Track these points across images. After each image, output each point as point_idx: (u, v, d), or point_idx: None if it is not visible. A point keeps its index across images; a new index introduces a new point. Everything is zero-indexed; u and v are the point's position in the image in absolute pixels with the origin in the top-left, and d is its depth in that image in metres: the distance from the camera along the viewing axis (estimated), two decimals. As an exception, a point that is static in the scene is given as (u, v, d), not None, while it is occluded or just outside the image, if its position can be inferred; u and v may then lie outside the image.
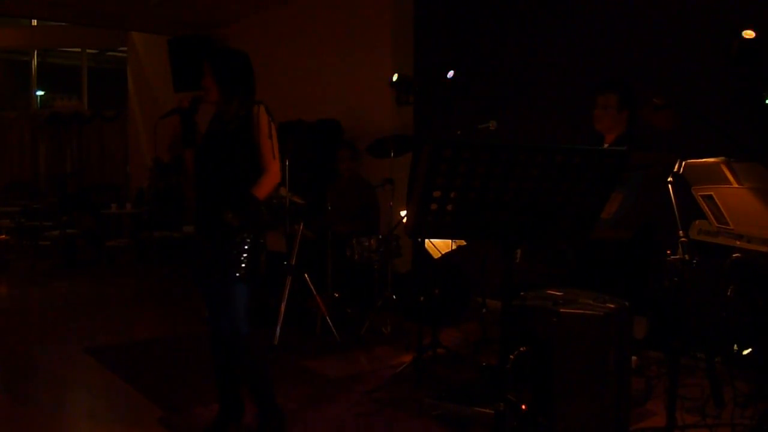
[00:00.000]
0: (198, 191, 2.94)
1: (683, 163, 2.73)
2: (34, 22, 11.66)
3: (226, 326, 2.86)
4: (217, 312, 2.93)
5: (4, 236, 8.60)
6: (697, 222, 3.23)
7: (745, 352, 3.25)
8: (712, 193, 2.82)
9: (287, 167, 4.70)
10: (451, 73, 5.44)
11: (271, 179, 2.83)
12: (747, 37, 3.28)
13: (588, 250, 3.39)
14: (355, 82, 6.52)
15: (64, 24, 11.02)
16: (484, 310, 4.73)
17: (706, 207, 2.91)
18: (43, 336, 4.99)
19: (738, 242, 2.93)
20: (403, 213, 4.75)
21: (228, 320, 2.84)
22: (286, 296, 4.46)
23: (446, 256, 4.16)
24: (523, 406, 2.66)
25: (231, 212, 2.72)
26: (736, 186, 2.67)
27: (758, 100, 3.55)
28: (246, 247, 2.76)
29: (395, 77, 5.95)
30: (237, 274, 2.75)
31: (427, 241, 4.11)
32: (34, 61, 11.99)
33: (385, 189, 4.96)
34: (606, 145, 3.59)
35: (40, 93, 12.30)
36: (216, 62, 2.95)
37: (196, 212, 2.92)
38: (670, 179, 2.63)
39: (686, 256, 2.51)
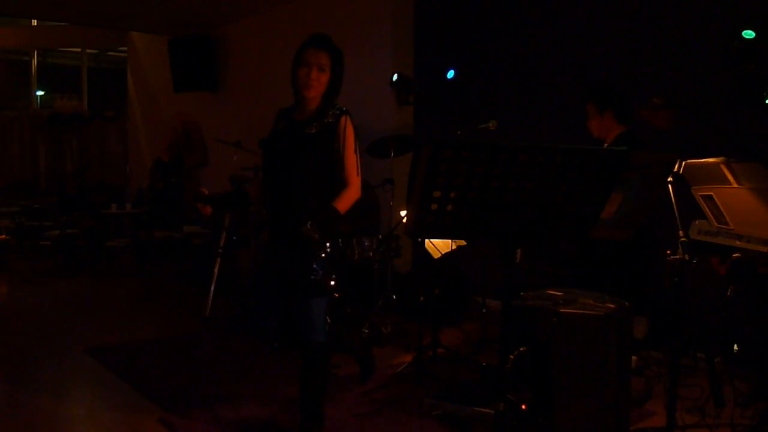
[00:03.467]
0: (272, 195, 2.83)
1: (683, 163, 2.73)
2: (34, 22, 11.65)
3: (302, 334, 2.81)
4: (272, 316, 2.90)
5: (4, 236, 8.60)
6: (697, 222, 3.22)
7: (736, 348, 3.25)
8: (711, 193, 2.82)
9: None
10: (451, 73, 5.44)
11: (353, 194, 2.75)
12: (747, 37, 3.29)
13: (588, 250, 3.39)
14: (355, 82, 6.50)
15: (64, 24, 11.01)
16: (484, 310, 4.73)
17: (705, 207, 2.91)
18: (43, 336, 4.99)
19: (738, 242, 2.93)
20: (403, 213, 4.74)
21: (305, 329, 2.79)
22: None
23: (446, 256, 4.16)
24: (523, 406, 2.67)
25: (312, 225, 2.61)
26: (736, 186, 2.67)
27: (758, 100, 3.54)
28: (324, 258, 2.69)
29: (395, 77, 5.95)
30: (315, 287, 2.70)
31: (427, 241, 4.11)
32: (34, 61, 11.99)
33: (385, 189, 4.96)
34: (606, 146, 3.60)
35: (40, 93, 12.30)
36: (337, 57, 2.77)
37: (272, 217, 2.84)
38: (670, 179, 2.63)
39: (686, 256, 2.51)
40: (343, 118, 2.74)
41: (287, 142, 2.79)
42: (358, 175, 2.77)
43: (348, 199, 2.74)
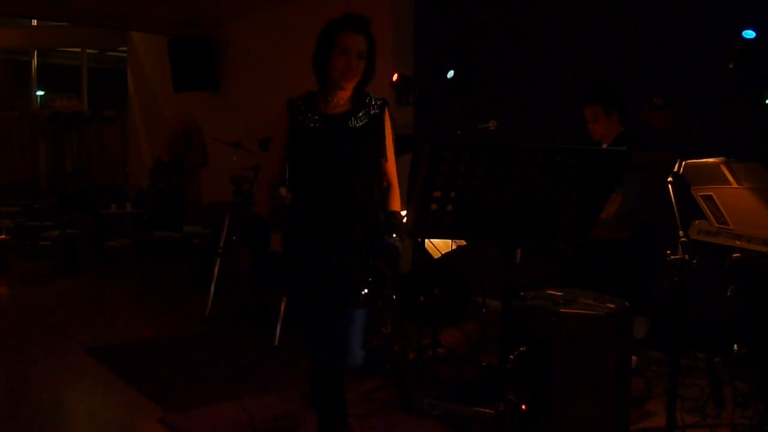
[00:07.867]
0: (324, 202, 2.42)
1: (683, 163, 2.73)
2: (34, 22, 11.66)
3: (353, 352, 2.44)
4: (329, 342, 2.46)
5: (4, 236, 8.60)
6: (697, 222, 3.23)
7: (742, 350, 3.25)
8: (711, 193, 2.83)
9: (286, 167, 4.68)
10: (451, 73, 5.44)
11: (399, 195, 2.56)
12: (747, 37, 3.29)
13: (588, 250, 3.39)
14: (355, 82, 6.52)
15: (64, 24, 11.02)
16: (484, 310, 4.73)
17: (705, 207, 2.91)
18: (43, 336, 4.99)
19: (738, 242, 2.94)
20: (403, 213, 4.74)
21: (356, 345, 2.44)
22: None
23: (446, 256, 4.15)
24: (523, 406, 2.66)
25: (395, 237, 2.40)
26: (736, 186, 2.67)
27: (758, 100, 3.55)
28: (373, 265, 2.45)
29: (395, 77, 5.94)
30: (366, 297, 2.39)
31: (427, 241, 4.11)
32: (34, 61, 11.99)
33: (385, 189, 4.95)
34: (605, 146, 3.59)
35: (40, 93, 12.30)
36: (373, 42, 2.41)
37: (320, 226, 2.42)
38: (670, 179, 2.63)
39: (686, 256, 2.51)
40: (386, 110, 2.48)
41: (335, 141, 2.41)
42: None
43: (398, 201, 2.56)
